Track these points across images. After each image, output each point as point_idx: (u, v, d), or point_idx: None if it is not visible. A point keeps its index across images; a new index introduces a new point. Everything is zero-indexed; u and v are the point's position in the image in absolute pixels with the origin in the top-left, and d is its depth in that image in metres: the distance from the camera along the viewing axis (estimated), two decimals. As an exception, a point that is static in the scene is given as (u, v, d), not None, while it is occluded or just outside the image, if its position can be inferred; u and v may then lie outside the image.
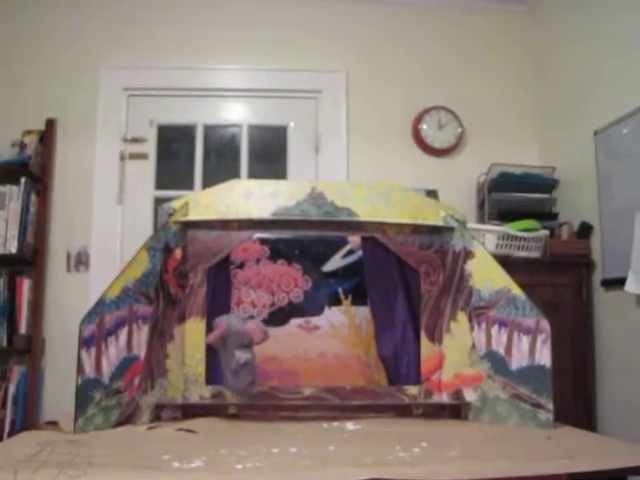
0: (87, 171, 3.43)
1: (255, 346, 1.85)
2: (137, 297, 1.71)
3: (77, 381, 1.56)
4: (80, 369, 1.57)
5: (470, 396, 1.81)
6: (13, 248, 3.12)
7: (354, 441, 1.51)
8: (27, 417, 3.05)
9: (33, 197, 3.25)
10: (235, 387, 1.82)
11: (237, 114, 3.60)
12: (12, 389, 3.08)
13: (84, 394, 1.56)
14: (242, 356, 1.83)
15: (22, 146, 3.33)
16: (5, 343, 3.11)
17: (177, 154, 3.58)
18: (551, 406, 1.66)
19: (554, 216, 3.26)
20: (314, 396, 1.83)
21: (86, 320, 1.59)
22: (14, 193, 3.19)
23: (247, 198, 1.86)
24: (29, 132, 3.37)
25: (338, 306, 1.90)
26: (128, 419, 1.66)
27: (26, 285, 3.19)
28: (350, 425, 1.70)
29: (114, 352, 1.64)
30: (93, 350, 1.59)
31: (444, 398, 1.85)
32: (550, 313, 1.76)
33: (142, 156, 3.48)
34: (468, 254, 1.85)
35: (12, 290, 3.17)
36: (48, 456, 1.27)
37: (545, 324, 1.71)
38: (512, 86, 3.69)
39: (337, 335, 1.89)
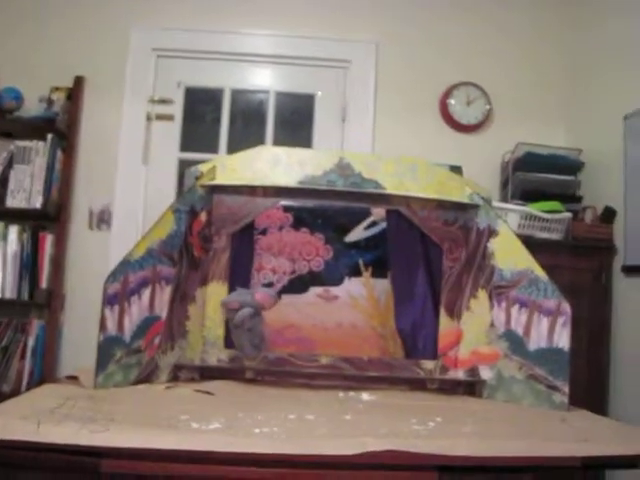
0: (113, 130, 3.43)
1: (272, 313, 1.86)
2: (161, 258, 1.72)
3: (99, 338, 1.58)
4: (102, 326, 1.59)
5: (486, 374, 1.81)
6: (38, 203, 3.15)
7: (370, 412, 1.52)
8: (45, 369, 3.10)
9: (59, 153, 3.27)
10: (251, 354, 1.84)
11: (265, 80, 3.59)
12: (31, 342, 3.13)
13: (105, 351, 1.59)
14: (241, 314, 1.83)
15: (49, 102, 3.33)
16: (26, 296, 3.14)
17: (203, 117, 3.58)
18: (567, 389, 1.66)
19: (578, 199, 3.24)
20: (330, 365, 1.84)
21: (111, 278, 1.61)
22: (40, 149, 3.21)
23: (274, 165, 1.86)
24: (57, 88, 3.37)
25: (358, 277, 1.90)
26: (147, 378, 1.69)
27: (49, 240, 3.22)
28: (365, 395, 1.71)
29: (136, 311, 1.66)
30: (116, 308, 1.61)
31: (460, 374, 1.85)
32: (568, 296, 1.75)
33: (168, 117, 3.49)
34: (492, 232, 1.84)
35: (35, 245, 3.20)
36: (70, 410, 1.30)
37: (566, 307, 1.70)
38: (543, 65, 3.63)
39: (355, 306, 1.89)
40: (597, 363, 2.94)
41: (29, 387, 2.95)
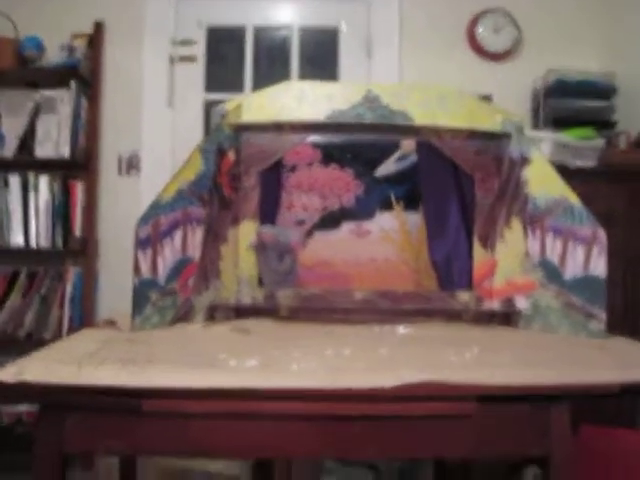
0: (136, 74, 3.42)
1: (304, 251, 1.86)
2: (191, 199, 1.71)
3: (134, 281, 1.59)
4: (136, 270, 1.59)
5: (521, 304, 1.80)
6: (66, 152, 3.17)
7: (406, 344, 1.52)
8: (84, 316, 3.15)
9: (84, 101, 3.27)
10: (284, 292, 1.84)
11: (287, 15, 3.53)
12: (69, 289, 3.17)
13: (141, 294, 1.60)
14: (281, 267, 1.84)
15: (71, 50, 3.31)
16: (61, 245, 3.18)
17: (227, 56, 3.54)
18: (604, 316, 1.64)
19: (612, 124, 3.17)
20: (365, 299, 1.84)
21: (142, 222, 1.61)
22: (65, 97, 3.20)
23: (301, 100, 1.82)
24: (78, 35, 3.35)
25: (389, 211, 1.89)
26: (183, 319, 1.70)
27: (79, 188, 3.24)
28: (401, 329, 1.71)
29: (169, 253, 1.66)
30: (149, 251, 1.62)
31: (495, 305, 1.84)
32: (603, 224, 1.72)
33: (191, 59, 3.46)
34: (525, 160, 1.80)
35: (66, 193, 3.22)
36: (108, 353, 1.31)
37: (602, 234, 1.68)
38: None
39: (388, 240, 1.88)
40: (633, 291, 2.91)
41: (69, 334, 3.00)
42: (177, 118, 3.40)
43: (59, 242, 3.17)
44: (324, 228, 1.88)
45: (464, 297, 1.86)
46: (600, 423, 2.39)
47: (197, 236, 1.74)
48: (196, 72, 3.44)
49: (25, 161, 3.21)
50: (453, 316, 1.84)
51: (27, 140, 3.20)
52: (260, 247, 1.84)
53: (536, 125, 3.25)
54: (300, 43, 3.52)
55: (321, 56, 3.53)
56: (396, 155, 1.88)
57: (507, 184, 1.84)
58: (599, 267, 1.67)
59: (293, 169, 1.87)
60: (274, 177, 1.86)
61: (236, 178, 1.83)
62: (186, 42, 3.42)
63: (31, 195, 3.18)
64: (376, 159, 1.88)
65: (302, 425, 1.20)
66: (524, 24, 3.44)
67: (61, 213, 3.18)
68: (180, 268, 1.69)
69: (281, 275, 1.85)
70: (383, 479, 2.72)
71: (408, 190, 1.89)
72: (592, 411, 2.50)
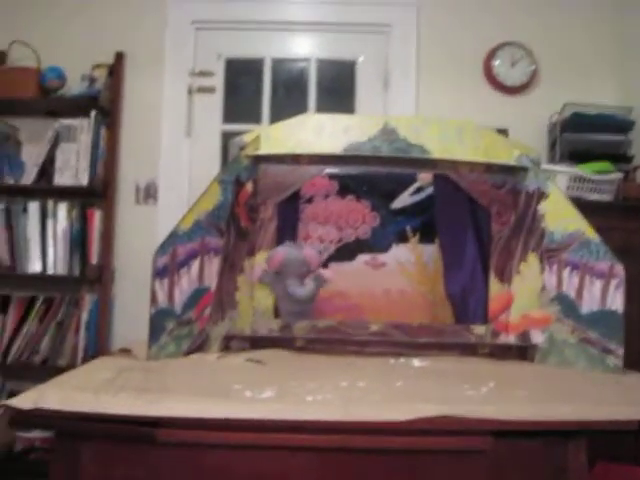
0: (155, 104, 3.44)
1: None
2: (209, 229, 1.73)
3: (150, 311, 1.60)
4: (153, 299, 1.60)
5: (537, 338, 1.79)
6: (84, 180, 3.18)
7: (421, 377, 1.51)
8: (99, 343, 3.16)
9: (103, 130, 3.29)
10: (299, 322, 1.84)
11: (305, 48, 3.55)
12: (84, 316, 3.18)
13: (157, 323, 1.61)
14: (300, 291, 1.84)
15: (92, 80, 3.35)
16: (78, 272, 3.20)
17: (245, 88, 3.56)
18: (621, 352, 1.64)
19: (629, 159, 3.15)
20: (381, 332, 1.84)
21: (159, 251, 1.62)
22: (85, 126, 3.23)
23: (319, 133, 1.84)
24: (98, 66, 3.38)
25: (405, 243, 1.89)
26: (198, 349, 1.70)
27: (97, 217, 3.25)
28: (417, 362, 1.70)
29: (186, 283, 1.67)
30: (166, 281, 1.63)
31: (511, 339, 1.84)
32: (620, 258, 1.71)
33: (210, 90, 3.48)
34: (542, 195, 1.81)
35: (84, 221, 3.24)
36: (125, 381, 1.32)
37: (619, 269, 1.67)
38: (589, 21, 3.51)
39: (403, 272, 1.88)
40: (651, 325, 2.88)
41: (84, 361, 3.00)
42: (195, 148, 3.42)
43: (76, 269, 3.18)
44: (340, 259, 1.88)
45: (480, 330, 1.85)
46: (616, 460, 2.36)
47: (214, 266, 1.75)
48: (214, 103, 3.46)
49: (44, 189, 3.23)
50: (468, 349, 1.84)
51: (46, 168, 3.23)
52: (278, 273, 1.85)
53: (552, 159, 3.24)
54: (317, 75, 3.53)
55: (338, 88, 3.53)
56: (412, 188, 1.89)
57: (523, 218, 1.84)
58: (616, 302, 1.67)
59: (310, 200, 1.88)
60: (291, 208, 1.88)
61: (253, 209, 1.85)
62: (205, 73, 3.46)
63: (49, 222, 3.20)
64: (392, 191, 1.90)
65: (316, 457, 1.20)
66: (541, 58, 3.45)
67: (78, 241, 3.20)
68: (197, 297, 1.70)
69: (299, 304, 1.85)
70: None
71: (424, 223, 1.90)
72: (608, 448, 2.47)
